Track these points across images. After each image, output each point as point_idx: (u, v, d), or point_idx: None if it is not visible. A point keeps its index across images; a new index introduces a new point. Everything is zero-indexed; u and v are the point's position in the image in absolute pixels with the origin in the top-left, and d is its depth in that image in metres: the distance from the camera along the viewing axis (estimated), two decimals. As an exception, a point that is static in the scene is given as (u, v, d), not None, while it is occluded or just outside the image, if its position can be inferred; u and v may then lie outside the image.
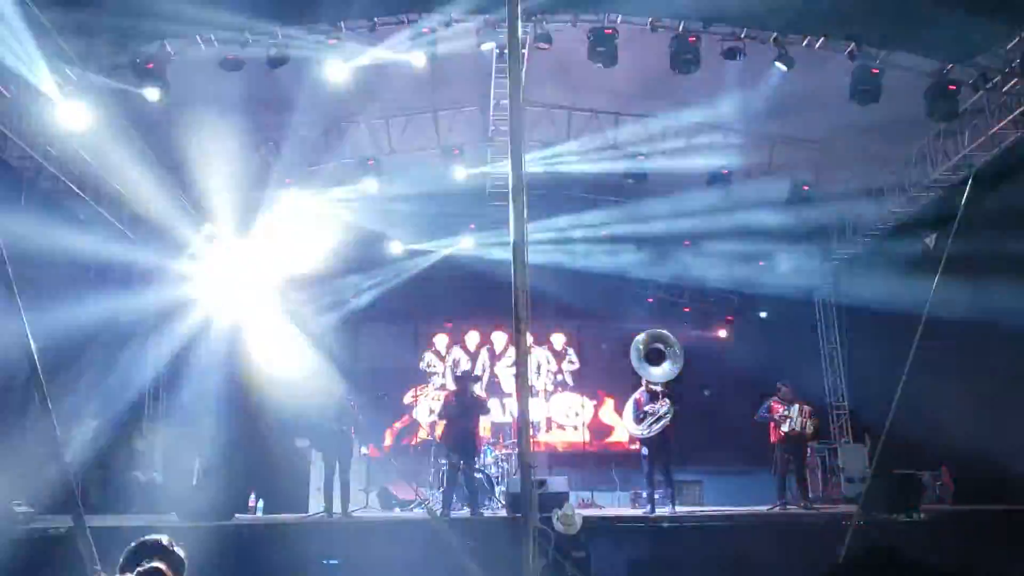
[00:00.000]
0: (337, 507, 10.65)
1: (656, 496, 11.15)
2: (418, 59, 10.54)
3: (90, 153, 11.84)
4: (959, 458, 12.31)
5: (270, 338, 14.24)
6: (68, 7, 6.93)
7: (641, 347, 11.65)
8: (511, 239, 3.92)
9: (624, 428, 11.59)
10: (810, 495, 12.07)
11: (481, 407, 11.08)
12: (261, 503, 13.62)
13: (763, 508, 11.24)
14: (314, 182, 14.04)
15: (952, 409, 11.63)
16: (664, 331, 11.98)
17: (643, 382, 11.39)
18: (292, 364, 13.01)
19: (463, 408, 10.73)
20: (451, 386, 15.59)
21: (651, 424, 11.02)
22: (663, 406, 11.03)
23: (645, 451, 11.21)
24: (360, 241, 15.26)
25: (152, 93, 10.15)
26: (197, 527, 9.41)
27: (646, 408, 11.07)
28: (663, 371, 11.56)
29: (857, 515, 7.95)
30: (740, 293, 16.77)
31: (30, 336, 3.86)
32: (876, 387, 12.52)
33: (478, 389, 11.32)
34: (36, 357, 4.01)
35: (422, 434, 15.37)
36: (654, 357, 11.62)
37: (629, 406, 11.32)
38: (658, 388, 11.24)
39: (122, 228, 13.61)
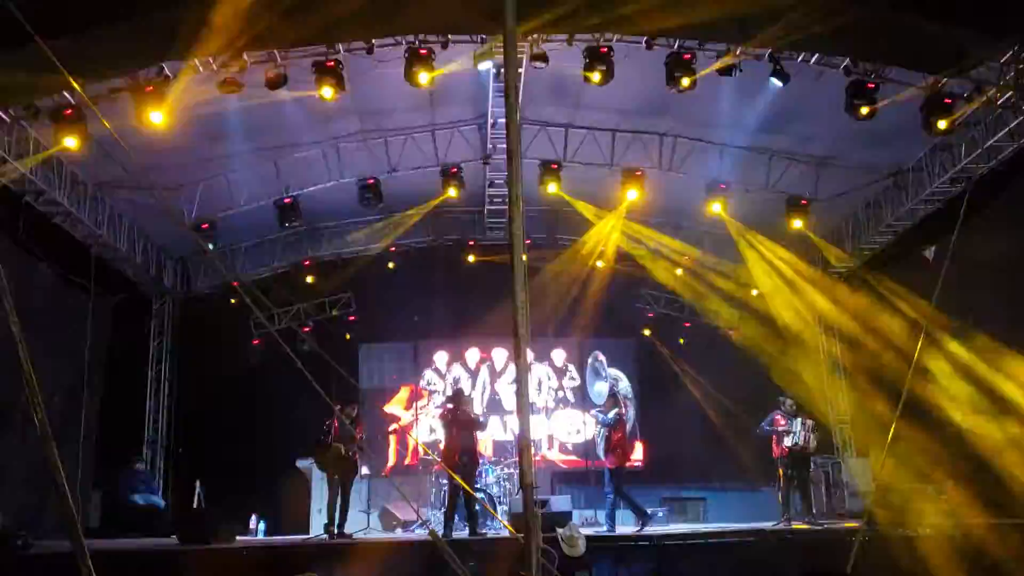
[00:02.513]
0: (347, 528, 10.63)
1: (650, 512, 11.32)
2: (417, 78, 10.55)
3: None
4: (964, 472, 12.26)
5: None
6: (71, 34, 6.94)
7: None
8: (511, 255, 3.90)
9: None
10: (814, 510, 12.02)
11: (476, 424, 11.06)
12: (262, 525, 13.58)
13: (767, 524, 11.19)
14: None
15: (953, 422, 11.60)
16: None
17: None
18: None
19: (460, 425, 10.71)
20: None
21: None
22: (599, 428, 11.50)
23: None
24: None
25: (153, 117, 10.15)
26: (198, 550, 9.37)
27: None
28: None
29: (862, 530, 7.91)
30: (741, 308, 16.75)
31: (27, 359, 3.84)
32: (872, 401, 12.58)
33: (468, 406, 11.33)
34: (33, 380, 3.98)
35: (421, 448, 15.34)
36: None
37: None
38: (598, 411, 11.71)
39: (119, 247, 13.62)
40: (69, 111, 10.25)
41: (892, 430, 6.03)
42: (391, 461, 15.79)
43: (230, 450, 14.41)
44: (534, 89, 11.65)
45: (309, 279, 16.35)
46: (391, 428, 14.09)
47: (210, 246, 13.81)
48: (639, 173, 13.46)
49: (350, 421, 10.72)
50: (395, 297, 16.02)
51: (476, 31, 10.28)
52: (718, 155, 13.33)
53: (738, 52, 10.48)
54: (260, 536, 13.35)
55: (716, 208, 13.74)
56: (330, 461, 10.86)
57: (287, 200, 13.72)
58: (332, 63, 10.40)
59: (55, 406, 12.09)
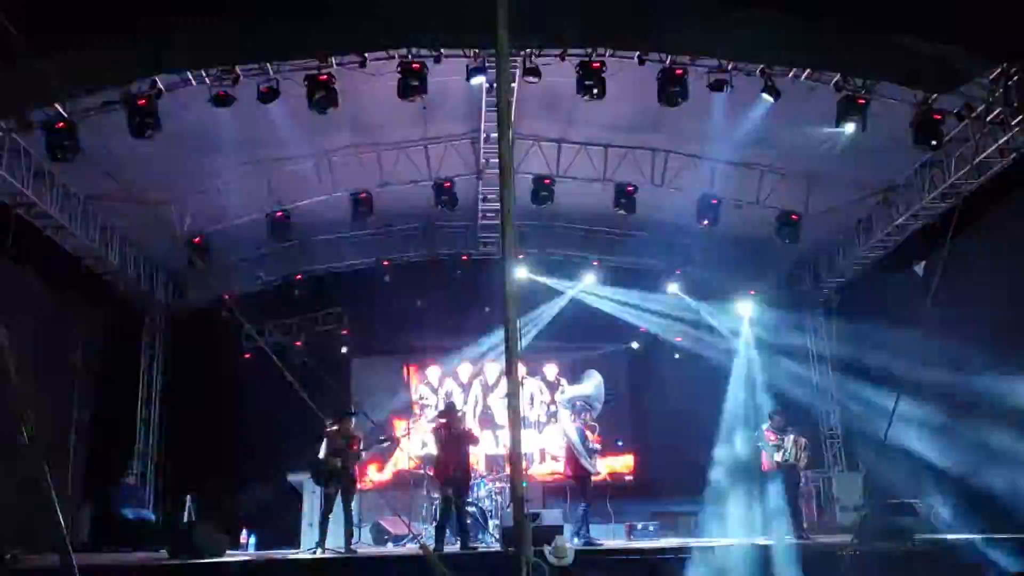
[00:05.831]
0: (330, 543, 10.54)
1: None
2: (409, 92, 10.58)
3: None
4: (955, 486, 12.28)
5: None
6: (63, 48, 6.95)
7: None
8: (504, 271, 3.91)
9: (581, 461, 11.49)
10: (804, 525, 12.01)
11: (470, 438, 11.03)
12: (253, 539, 13.49)
13: (758, 539, 11.16)
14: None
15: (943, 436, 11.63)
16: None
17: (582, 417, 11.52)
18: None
19: (453, 439, 10.68)
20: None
21: (595, 460, 11.28)
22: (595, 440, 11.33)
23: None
24: None
25: (143, 130, 10.16)
26: (189, 564, 9.31)
27: (592, 445, 11.23)
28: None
29: (852, 545, 7.92)
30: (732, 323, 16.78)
31: (15, 372, 3.83)
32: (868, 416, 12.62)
33: (461, 420, 11.28)
34: (23, 393, 3.97)
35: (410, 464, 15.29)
36: None
37: (577, 438, 11.20)
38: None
39: (110, 260, 13.60)
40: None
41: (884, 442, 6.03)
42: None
43: (221, 464, 14.35)
44: (527, 104, 11.69)
45: (301, 293, 16.38)
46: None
47: (200, 261, 13.78)
48: (630, 189, 13.52)
49: (346, 436, 10.68)
50: (388, 311, 16.02)
51: (468, 45, 10.33)
52: (709, 170, 13.38)
53: (729, 67, 10.55)
54: (251, 550, 13.26)
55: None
56: (326, 476, 10.80)
57: (279, 214, 13.72)
58: (325, 76, 10.43)
59: (45, 420, 12.03)
